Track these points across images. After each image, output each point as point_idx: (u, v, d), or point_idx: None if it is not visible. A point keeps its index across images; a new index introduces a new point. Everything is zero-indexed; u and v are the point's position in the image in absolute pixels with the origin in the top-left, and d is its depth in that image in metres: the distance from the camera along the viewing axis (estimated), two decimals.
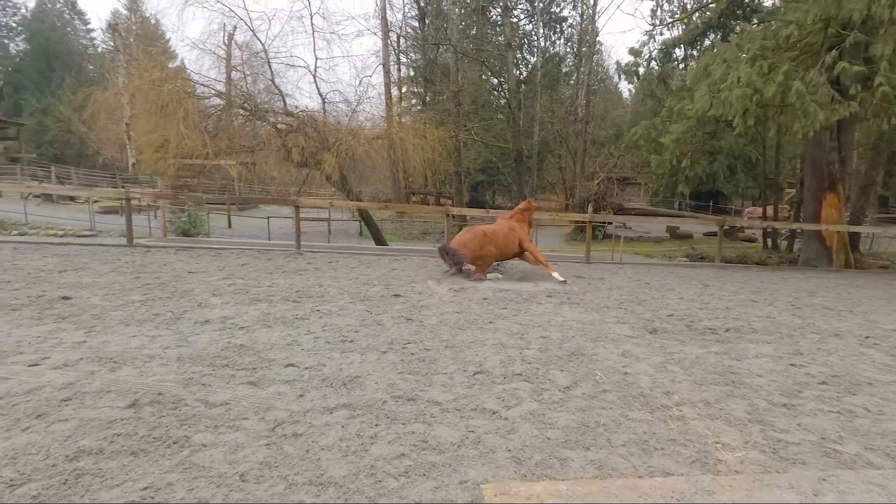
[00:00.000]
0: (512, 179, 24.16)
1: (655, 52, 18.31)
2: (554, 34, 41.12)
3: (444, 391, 3.00)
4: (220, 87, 15.32)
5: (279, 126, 14.51)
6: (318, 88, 15.07)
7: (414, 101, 37.85)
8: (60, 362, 3.16)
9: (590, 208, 11.24)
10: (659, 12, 29.36)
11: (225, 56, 16.15)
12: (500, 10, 30.65)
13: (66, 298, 4.73)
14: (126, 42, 31.97)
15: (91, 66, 49.87)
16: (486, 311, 5.09)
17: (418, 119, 20.83)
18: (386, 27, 23.43)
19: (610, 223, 23.11)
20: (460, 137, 20.42)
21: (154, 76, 13.41)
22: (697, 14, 19.94)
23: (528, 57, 39.04)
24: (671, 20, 24.09)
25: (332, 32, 15.44)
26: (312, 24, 15.33)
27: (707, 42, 19.11)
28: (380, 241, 15.39)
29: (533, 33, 37.14)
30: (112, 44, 40.16)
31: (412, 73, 39.44)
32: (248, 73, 14.75)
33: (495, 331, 4.36)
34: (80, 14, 56.75)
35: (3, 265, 6.33)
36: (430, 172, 16.55)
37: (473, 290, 6.12)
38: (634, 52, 16.11)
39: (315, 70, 15.10)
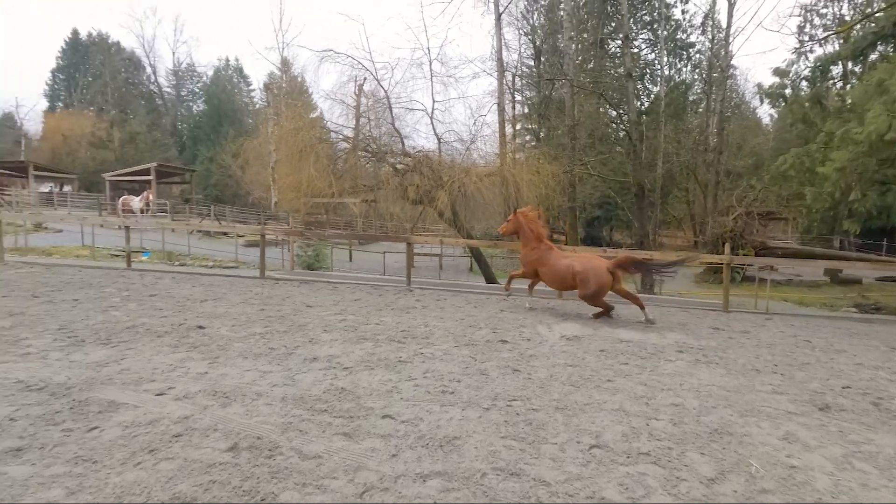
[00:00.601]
0: (632, 215, 22.62)
1: (807, 70, 16.09)
2: (679, 61, 38.81)
3: (554, 467, 2.57)
4: (349, 132, 16.73)
5: (397, 166, 15.32)
6: (434, 129, 15.74)
7: (528, 138, 37.94)
8: (182, 393, 3.34)
9: (726, 247, 9.87)
10: (808, 27, 26.16)
11: (354, 104, 17.68)
12: (619, 41, 29.79)
13: (200, 328, 5.18)
14: (276, 98, 36.86)
15: (250, 120, 58.37)
16: (603, 365, 4.51)
17: (531, 155, 20.66)
18: (501, 67, 23.94)
19: (750, 265, 20.34)
20: (576, 172, 19.75)
21: (293, 125, 15.09)
22: (859, 25, 17.26)
23: (649, 87, 37.20)
24: (824, 35, 21.24)
25: (449, 76, 16.14)
26: (431, 70, 16.19)
27: (874, 55, 16.37)
28: (490, 278, 15.21)
29: (656, 62, 35.41)
30: (266, 100, 46.69)
31: (526, 111, 39.75)
32: (371, 118, 15.96)
33: (615, 392, 3.79)
34: (245, 78, 67.45)
35: (161, 294, 7.25)
36: (543, 208, 16.10)
37: (589, 339, 5.54)
38: (780, 73, 14.34)
39: (432, 112, 15.84)
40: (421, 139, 17.58)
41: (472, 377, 3.98)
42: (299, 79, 45.38)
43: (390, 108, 15.30)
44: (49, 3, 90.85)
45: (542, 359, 4.64)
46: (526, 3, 35.64)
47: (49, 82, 62.19)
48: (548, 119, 32.06)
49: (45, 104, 60.25)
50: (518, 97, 41.36)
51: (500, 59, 24.41)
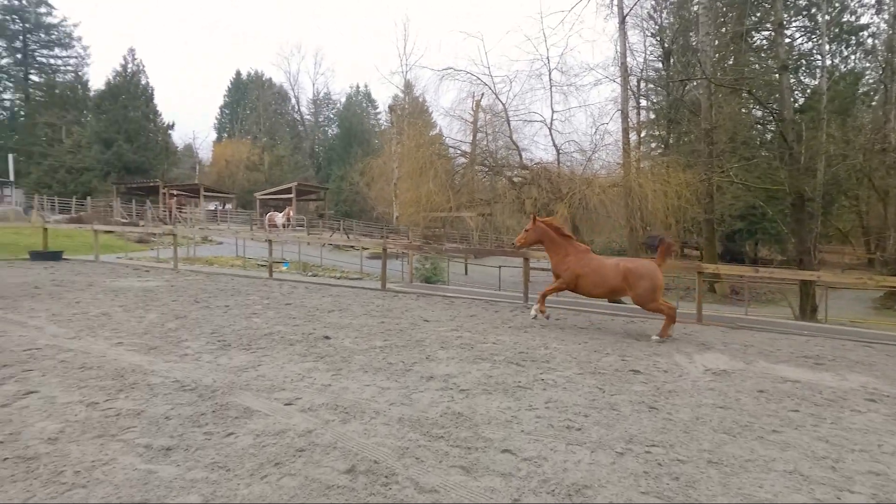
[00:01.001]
0: (786, 228, 19.59)
1: None
2: (846, 48, 33.24)
3: None
4: (466, 147, 16.97)
5: (514, 179, 15.12)
6: (552, 140, 15.27)
7: (654, 146, 35.29)
8: (307, 405, 3.44)
9: None
10: None
11: (471, 119, 17.94)
12: (764, 33, 26.38)
13: (327, 338, 5.43)
14: (399, 118, 39.08)
15: (376, 141, 62.81)
16: (765, 410, 3.75)
17: (659, 163, 19.05)
18: (625, 72, 22.59)
19: None
20: (713, 180, 17.70)
21: (414, 143, 15.74)
22: None
23: (804, 81, 32.34)
24: None
25: (570, 85, 15.58)
26: (550, 80, 15.80)
27: None
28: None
29: (814, 51, 30.72)
30: (389, 121, 49.83)
31: (652, 116, 37.06)
32: (489, 132, 16.03)
33: (785, 447, 3.09)
34: (372, 102, 73.02)
35: (295, 303, 7.85)
36: (674, 220, 14.63)
37: (741, 375, 4.71)
38: None
39: (551, 123, 15.40)
40: (539, 151, 17.22)
41: (600, 412, 3.56)
42: (420, 99, 47.65)
43: (508, 121, 15.19)
44: (220, 51, 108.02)
45: (684, 396, 4.01)
46: (653, 2, 33.43)
47: (217, 117, 73.57)
48: (678, 124, 29.43)
49: (214, 135, 71.34)
50: (643, 102, 38.77)
51: (623, 64, 23.06)
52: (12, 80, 55.44)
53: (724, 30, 25.49)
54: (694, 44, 30.87)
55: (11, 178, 39.80)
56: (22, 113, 51.20)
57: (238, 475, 2.45)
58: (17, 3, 53.60)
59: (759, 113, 26.53)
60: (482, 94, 17.46)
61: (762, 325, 7.76)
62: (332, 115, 74.98)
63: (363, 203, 43.88)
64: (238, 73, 72.75)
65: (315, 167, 65.70)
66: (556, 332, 6.46)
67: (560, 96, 16.16)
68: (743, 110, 25.32)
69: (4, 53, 54.77)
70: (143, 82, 47.38)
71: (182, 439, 2.82)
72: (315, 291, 9.30)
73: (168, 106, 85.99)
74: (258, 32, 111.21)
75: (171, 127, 50.67)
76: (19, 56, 55.46)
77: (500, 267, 15.36)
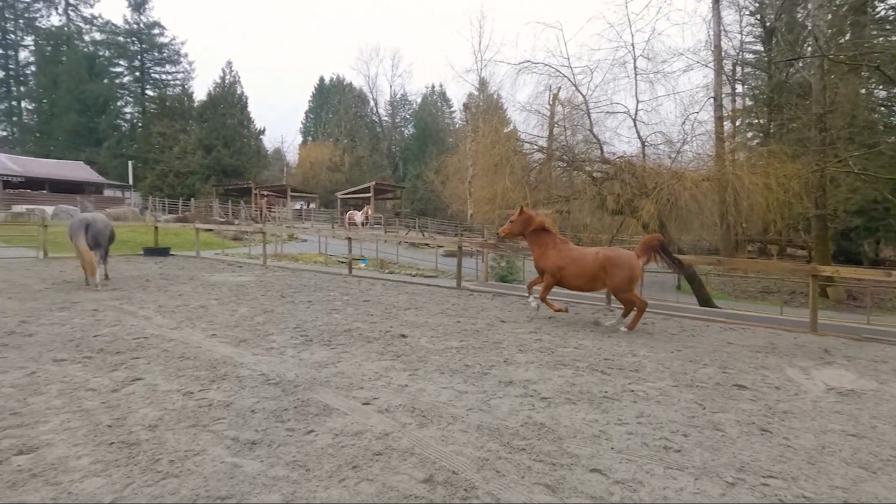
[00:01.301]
0: None
1: None
2: None
3: None
4: (542, 143, 16.45)
5: (594, 174, 14.40)
6: (637, 132, 14.31)
7: (751, 135, 32.24)
8: (385, 405, 3.40)
9: None
10: None
11: (548, 114, 17.37)
12: (891, 2, 22.97)
13: (403, 336, 5.42)
14: (474, 116, 39.04)
15: (450, 139, 63.36)
16: None
17: (758, 154, 17.27)
18: (719, 56, 20.79)
19: None
20: (827, 171, 15.74)
21: (489, 140, 15.51)
22: None
23: None
24: None
25: (656, 72, 14.44)
26: (635, 68, 14.80)
27: None
28: (705, 300, 13.04)
29: None
30: (464, 119, 49.95)
31: (750, 103, 33.88)
32: (567, 126, 15.39)
33: None
34: (447, 101, 73.80)
35: (373, 300, 7.99)
36: (778, 217, 13.16)
37: (874, 397, 4.04)
38: None
39: (635, 113, 14.44)
40: (622, 144, 16.23)
41: (702, 432, 3.17)
42: (494, 96, 47.29)
43: (588, 114, 14.48)
44: (307, 59, 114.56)
45: (804, 419, 3.49)
46: None
47: (303, 121, 78.14)
48: (781, 110, 26.59)
49: (300, 139, 75.79)
50: (739, 88, 35.59)
51: (717, 47, 21.24)
52: (132, 95, 62.57)
53: (838, 1, 22.62)
54: (802, 19, 27.77)
55: (131, 182, 44.94)
56: (139, 124, 57.60)
57: (317, 476, 2.43)
58: (136, 26, 60.30)
59: (884, 93, 23.25)
60: (559, 87, 16.86)
61: (894, 338, 6.70)
62: (408, 116, 76.80)
63: (437, 201, 44.39)
64: (321, 80, 76.78)
65: (392, 167, 67.65)
66: (644, 337, 5.99)
67: (646, 84, 15.11)
68: (863, 90, 22.32)
69: (126, 72, 62.00)
70: (238, 92, 51.42)
71: (266, 434, 2.88)
72: (392, 289, 9.44)
73: (259, 112, 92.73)
74: (340, 39, 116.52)
75: (263, 132, 54.58)
76: (138, 74, 62.48)
77: None
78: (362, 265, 18.43)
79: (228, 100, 49.79)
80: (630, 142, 15.13)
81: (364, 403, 3.43)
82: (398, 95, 75.73)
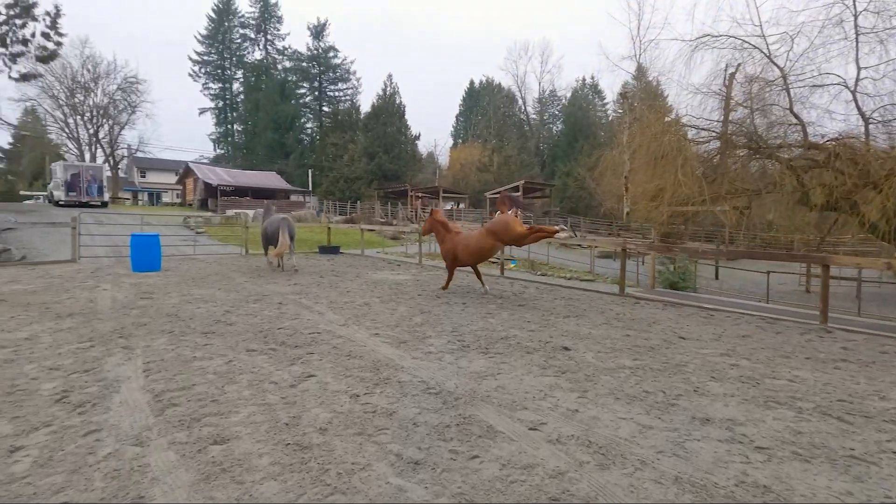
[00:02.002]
0: None
1: None
2: None
3: None
4: (720, 129, 14.23)
5: (793, 163, 11.89)
6: (857, 107, 11.35)
7: None
8: (555, 434, 2.97)
9: None
10: None
11: (725, 95, 14.97)
12: None
13: (566, 349, 4.92)
14: (632, 106, 36.06)
15: (602, 133, 59.81)
16: None
17: None
18: None
19: None
20: None
21: (655, 130, 13.90)
22: None
23: None
24: None
25: (889, 29, 11.13)
26: (856, 27, 11.71)
27: None
28: None
29: None
30: (620, 110, 46.60)
31: None
32: (756, 106, 12.95)
33: None
34: (599, 93, 69.93)
35: (528, 305, 7.60)
36: None
37: None
38: None
39: (855, 84, 11.46)
40: (834, 123, 13.15)
41: None
42: (654, 83, 43.19)
43: (787, 90, 12.00)
44: (458, 64, 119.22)
45: None
46: None
47: (453, 125, 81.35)
48: None
49: (450, 141, 79.03)
50: None
51: None
52: (311, 112, 71.98)
53: None
54: None
55: (310, 188, 51.65)
56: (317, 137, 66.01)
57: None
58: (315, 52, 69.27)
59: None
60: (739, 63, 14.35)
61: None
62: (556, 112, 74.75)
63: (589, 199, 42.18)
64: (472, 83, 78.96)
65: (540, 165, 66.42)
66: (890, 370, 4.54)
67: (873, 46, 11.84)
68: None
69: (308, 93, 71.57)
70: (397, 102, 55.54)
71: (429, 453, 2.68)
72: (546, 293, 8.94)
73: (414, 119, 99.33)
74: (489, 39, 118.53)
75: (418, 137, 58.18)
76: (316, 93, 71.68)
77: (768, 272, 12.36)
78: (512, 265, 18.16)
79: (389, 109, 54.06)
80: (846, 119, 12.12)
81: (530, 428, 3.05)
82: (546, 92, 74.17)
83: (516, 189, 34.09)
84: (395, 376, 3.97)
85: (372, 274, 10.89)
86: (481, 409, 3.34)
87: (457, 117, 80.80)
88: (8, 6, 21.67)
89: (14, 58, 23.10)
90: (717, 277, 18.09)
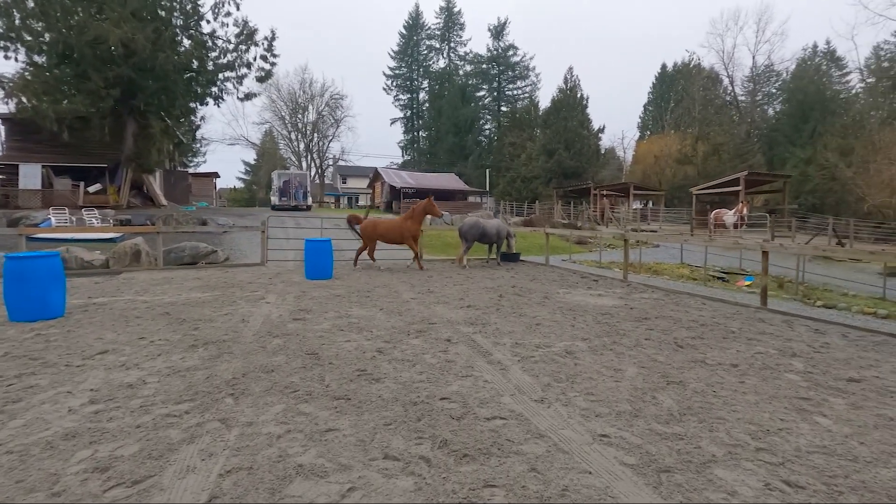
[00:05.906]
0: None
1: None
2: None
3: None
4: None
5: None
6: None
7: None
8: None
9: None
10: None
11: None
12: None
13: None
14: None
15: (841, 111, 46.21)
16: None
17: None
18: None
19: None
20: None
21: None
22: None
23: None
24: None
25: None
26: None
27: None
28: None
29: None
30: (864, 78, 34.94)
31: None
32: None
33: None
34: (838, 60, 54.55)
35: (858, 378, 4.24)
36: None
37: None
38: None
39: None
40: None
41: None
42: None
43: None
44: (646, 52, 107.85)
45: None
46: None
47: (641, 115, 73.24)
48: None
49: (637, 134, 71.25)
50: None
51: None
52: (490, 113, 72.23)
53: None
54: None
55: (488, 188, 51.18)
56: (495, 138, 65.78)
57: None
58: (495, 52, 69.18)
59: None
60: None
61: None
62: (774, 90, 60.99)
63: (841, 192, 32.37)
64: (663, 67, 70.09)
65: (760, 152, 54.79)
66: None
67: None
68: None
69: (486, 94, 72.01)
70: (578, 95, 51.50)
71: None
72: (867, 349, 5.27)
73: (598, 112, 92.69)
74: (683, 17, 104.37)
75: (602, 131, 53.10)
76: (495, 94, 71.66)
77: None
78: (746, 282, 13.71)
79: (570, 102, 50.43)
80: None
81: None
82: (761, 66, 60.97)
83: (734, 183, 27.41)
84: None
85: (564, 294, 8.42)
86: None
87: (644, 107, 72.78)
88: (237, 35, 25.34)
89: (241, 80, 27.00)
90: None
